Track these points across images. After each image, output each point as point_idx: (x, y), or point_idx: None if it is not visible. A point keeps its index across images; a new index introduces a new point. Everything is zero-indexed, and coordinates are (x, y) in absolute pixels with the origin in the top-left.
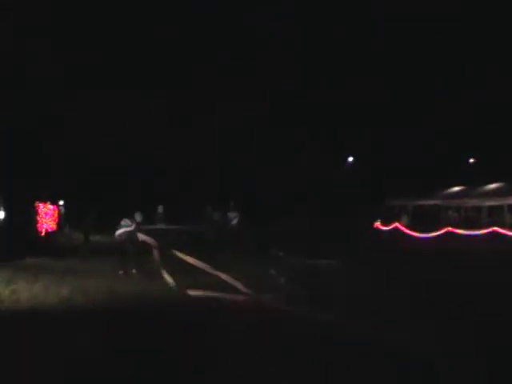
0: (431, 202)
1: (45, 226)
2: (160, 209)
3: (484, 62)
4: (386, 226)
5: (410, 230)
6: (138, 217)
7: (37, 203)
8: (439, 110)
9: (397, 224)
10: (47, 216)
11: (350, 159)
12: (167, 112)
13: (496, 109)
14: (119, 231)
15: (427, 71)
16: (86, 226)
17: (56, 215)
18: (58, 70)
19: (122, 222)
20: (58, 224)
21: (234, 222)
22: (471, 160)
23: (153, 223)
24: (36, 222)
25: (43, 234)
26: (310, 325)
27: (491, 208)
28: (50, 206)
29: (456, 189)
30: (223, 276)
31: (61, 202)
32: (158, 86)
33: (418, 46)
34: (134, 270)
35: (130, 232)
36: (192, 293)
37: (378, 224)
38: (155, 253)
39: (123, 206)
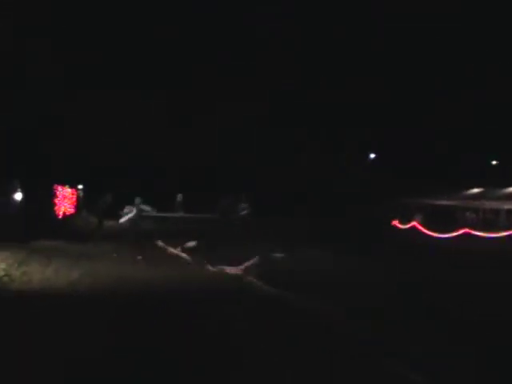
0: (449, 203)
1: (62, 209)
2: (179, 197)
3: (484, 62)
4: (403, 224)
5: (427, 229)
6: (138, 201)
7: (55, 186)
8: (439, 110)
9: (415, 223)
10: (65, 199)
11: (372, 155)
12: (167, 112)
13: (496, 109)
14: (122, 219)
15: (427, 71)
16: (99, 211)
17: (74, 199)
18: (58, 70)
19: (125, 210)
20: (76, 208)
21: (245, 212)
22: (494, 162)
23: (172, 211)
24: (54, 205)
25: (60, 217)
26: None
27: (509, 211)
28: (69, 190)
29: (475, 190)
30: None
31: (80, 186)
32: (158, 85)
33: (418, 45)
34: (139, 257)
35: (132, 219)
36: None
37: (395, 222)
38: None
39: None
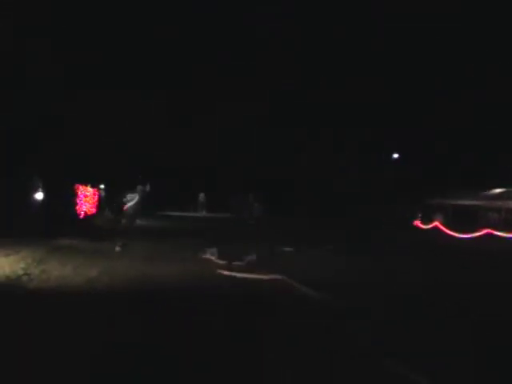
0: (471, 203)
1: (84, 208)
2: (201, 197)
3: (484, 62)
4: (425, 224)
5: (449, 229)
6: (140, 188)
7: (76, 186)
8: (439, 110)
9: (437, 223)
10: (86, 199)
11: (396, 155)
12: (167, 112)
13: (496, 109)
14: (126, 206)
15: (427, 71)
16: (115, 210)
17: (96, 198)
18: (58, 70)
19: (128, 197)
20: (98, 207)
21: (259, 211)
22: None
23: (194, 211)
24: (75, 204)
25: (82, 216)
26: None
27: None
28: (90, 189)
29: (498, 190)
30: None
31: (101, 186)
32: (158, 85)
33: (418, 46)
34: (117, 248)
35: (134, 205)
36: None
37: (417, 222)
38: None
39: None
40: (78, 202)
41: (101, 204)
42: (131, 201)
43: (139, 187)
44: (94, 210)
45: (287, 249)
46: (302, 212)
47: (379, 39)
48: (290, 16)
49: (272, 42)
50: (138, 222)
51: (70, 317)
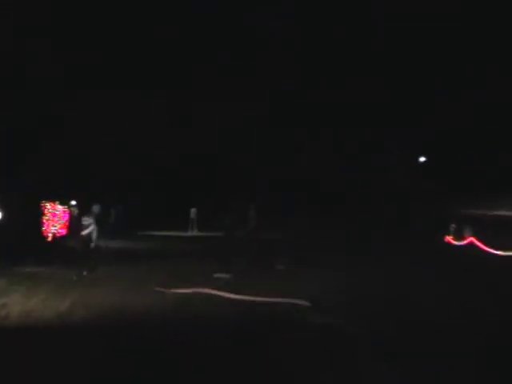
0: (507, 213)
1: (52, 229)
2: (192, 213)
3: (484, 62)
4: (457, 240)
5: (487, 246)
6: (96, 209)
7: (43, 203)
8: (439, 110)
9: (472, 239)
10: (55, 218)
11: (422, 159)
12: (167, 112)
13: (496, 109)
14: (84, 232)
15: (427, 71)
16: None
17: (66, 217)
18: (58, 70)
19: (84, 223)
20: (69, 228)
21: (253, 223)
22: None
23: (184, 229)
24: (41, 224)
25: (50, 238)
26: None
27: None
28: (60, 207)
29: None
30: None
31: (73, 202)
32: (158, 85)
33: (418, 45)
34: (84, 273)
35: (91, 228)
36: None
37: (449, 238)
38: None
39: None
40: (44, 221)
41: (72, 224)
42: (88, 225)
43: (95, 207)
44: (63, 232)
45: (280, 267)
46: (302, 212)
47: (379, 39)
48: (290, 16)
49: (272, 42)
50: (116, 244)
51: (32, 360)
